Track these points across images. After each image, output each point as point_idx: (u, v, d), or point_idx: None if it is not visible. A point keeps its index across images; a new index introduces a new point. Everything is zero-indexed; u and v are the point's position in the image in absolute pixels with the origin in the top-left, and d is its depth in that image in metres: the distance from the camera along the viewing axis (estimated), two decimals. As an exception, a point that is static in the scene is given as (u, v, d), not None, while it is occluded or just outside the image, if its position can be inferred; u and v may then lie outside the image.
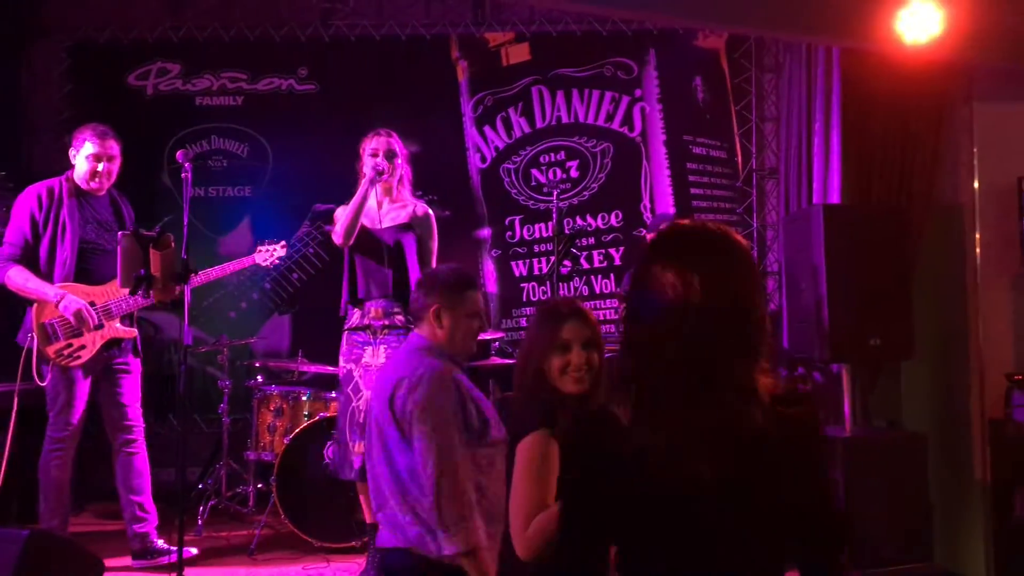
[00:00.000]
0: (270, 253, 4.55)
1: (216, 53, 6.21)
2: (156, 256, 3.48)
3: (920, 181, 4.70)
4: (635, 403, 1.55)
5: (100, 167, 4.17)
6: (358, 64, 6.23)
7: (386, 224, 4.08)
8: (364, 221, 4.00)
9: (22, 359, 4.04)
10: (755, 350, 1.53)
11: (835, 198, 4.90)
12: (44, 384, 4.07)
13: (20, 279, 4.07)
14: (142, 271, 3.49)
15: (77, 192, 4.17)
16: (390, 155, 4.08)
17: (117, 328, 4.16)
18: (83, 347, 4.08)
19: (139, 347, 4.30)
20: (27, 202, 4.15)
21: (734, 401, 1.49)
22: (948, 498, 4.36)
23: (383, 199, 4.10)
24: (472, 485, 2.56)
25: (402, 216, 4.10)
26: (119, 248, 3.63)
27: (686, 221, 1.85)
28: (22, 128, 6.08)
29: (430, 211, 4.19)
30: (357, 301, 4.03)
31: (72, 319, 4.01)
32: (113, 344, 4.19)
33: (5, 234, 4.20)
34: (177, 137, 6.06)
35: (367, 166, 4.04)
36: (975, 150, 4.38)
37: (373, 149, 4.07)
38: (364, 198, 3.96)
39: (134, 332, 4.24)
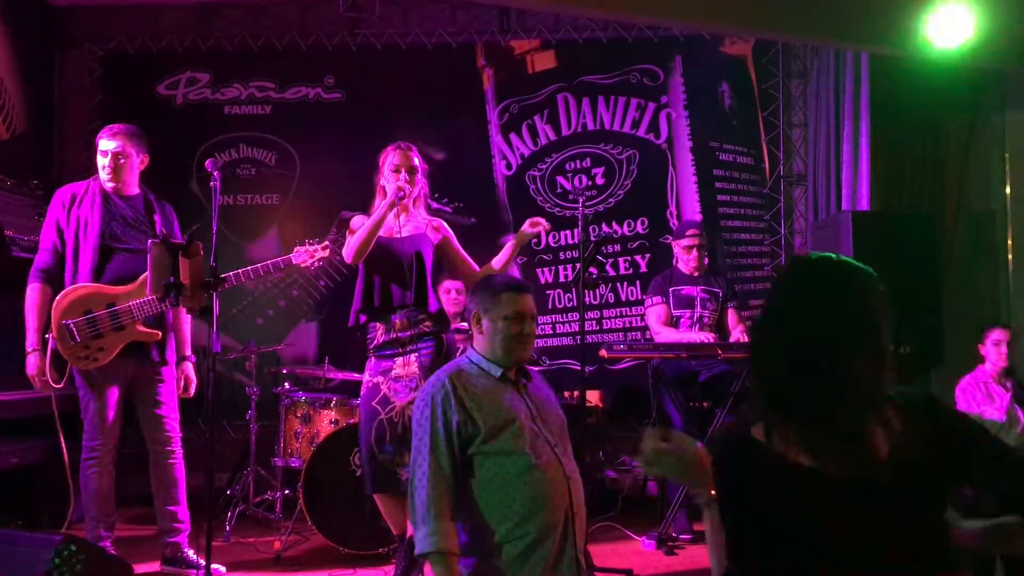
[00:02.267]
0: (310, 254, 4.10)
1: (244, 62, 6.28)
2: (185, 264, 3.51)
3: (951, 187, 4.66)
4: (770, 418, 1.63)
5: (104, 161, 4.12)
6: (384, 72, 6.27)
7: (404, 233, 3.92)
8: (381, 232, 3.83)
9: (69, 366, 3.98)
10: (881, 362, 1.60)
11: (864, 204, 4.87)
12: (59, 387, 3.97)
13: (29, 302, 4.04)
14: (171, 279, 3.52)
15: (102, 191, 4.15)
16: (411, 171, 3.91)
17: (139, 330, 4.01)
18: (102, 349, 3.97)
19: (166, 354, 4.15)
20: (55, 204, 4.15)
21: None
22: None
23: (399, 213, 3.92)
24: (456, 490, 2.57)
25: (419, 227, 3.97)
26: (149, 256, 3.65)
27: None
28: (54, 137, 6.18)
29: (443, 222, 4.06)
30: (373, 312, 3.85)
31: (30, 373, 3.98)
32: (137, 348, 4.05)
33: (40, 239, 4.20)
34: (206, 146, 6.13)
35: (389, 183, 3.88)
36: (1007, 156, 4.33)
37: (395, 164, 3.90)
38: (382, 219, 3.78)
39: (158, 334, 4.05)
